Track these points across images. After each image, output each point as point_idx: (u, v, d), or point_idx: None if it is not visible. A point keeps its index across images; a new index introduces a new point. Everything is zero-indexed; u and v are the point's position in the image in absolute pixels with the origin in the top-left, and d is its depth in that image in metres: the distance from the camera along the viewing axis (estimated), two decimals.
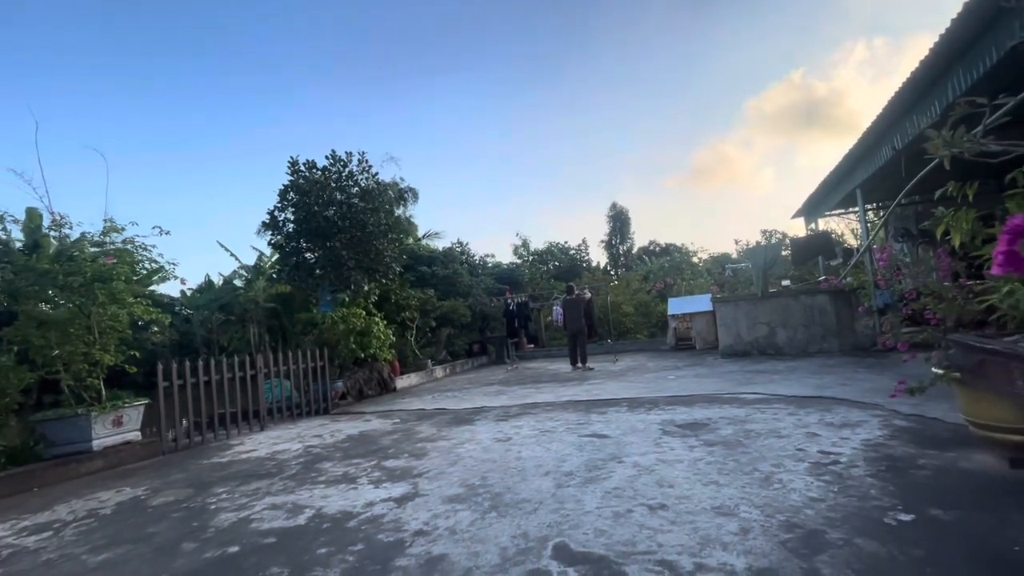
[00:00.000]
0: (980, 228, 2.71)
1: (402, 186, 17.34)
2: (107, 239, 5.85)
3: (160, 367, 5.72)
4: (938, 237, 2.59)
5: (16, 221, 8.04)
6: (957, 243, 2.51)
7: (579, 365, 10.31)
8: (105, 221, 5.88)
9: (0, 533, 3.35)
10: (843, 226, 18.09)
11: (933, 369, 3.04)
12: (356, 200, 9.32)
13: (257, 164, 37.29)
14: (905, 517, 2.30)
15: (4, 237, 8.30)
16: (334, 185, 9.24)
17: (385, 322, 9.80)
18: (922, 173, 2.89)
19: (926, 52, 5.32)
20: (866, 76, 51.41)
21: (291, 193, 9.14)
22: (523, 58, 40.39)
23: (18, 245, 8.29)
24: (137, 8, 27.21)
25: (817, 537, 2.19)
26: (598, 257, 29.08)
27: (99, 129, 29.30)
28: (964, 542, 2.04)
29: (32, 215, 8.41)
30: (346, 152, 9.43)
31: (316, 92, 37.41)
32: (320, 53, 36.22)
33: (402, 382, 10.09)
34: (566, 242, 27.13)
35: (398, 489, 3.46)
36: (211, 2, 29.65)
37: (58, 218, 5.87)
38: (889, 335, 3.38)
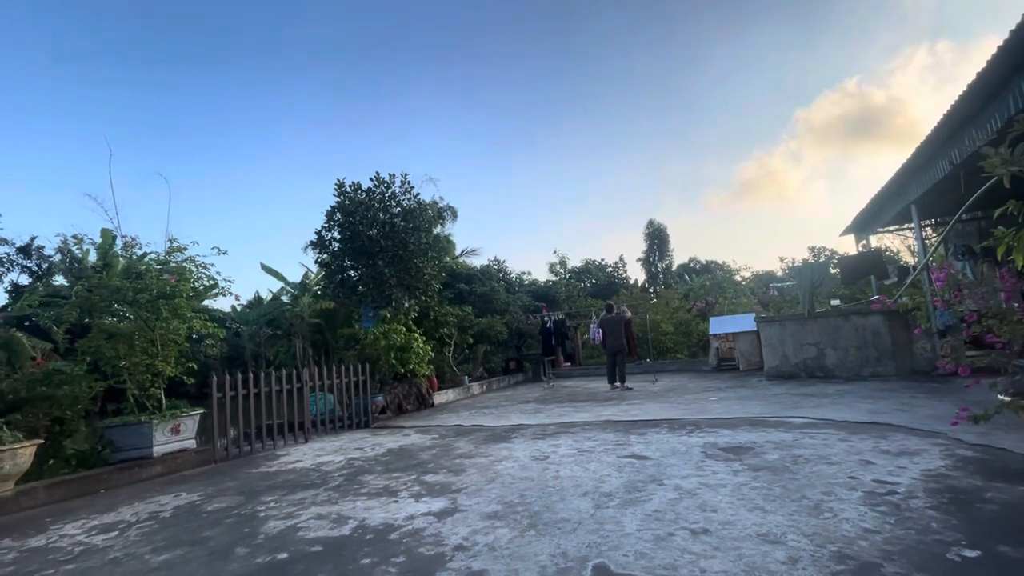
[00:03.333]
0: None
1: (441, 205, 17.76)
2: (171, 258, 6.28)
3: (214, 379, 6.04)
4: (999, 257, 2.47)
5: (93, 243, 8.76)
6: (1020, 264, 2.39)
7: (617, 384, 10.16)
8: (169, 241, 6.34)
9: (72, 531, 3.60)
10: (899, 243, 17.29)
11: (999, 396, 2.87)
12: (398, 220, 9.65)
13: (304, 185, 39.11)
14: (970, 553, 2.17)
15: (80, 256, 9.04)
16: (378, 205, 9.60)
17: (424, 338, 10.00)
18: (980, 191, 2.77)
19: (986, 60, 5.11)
20: (928, 83, 48.83)
21: (337, 213, 9.55)
22: (560, 71, 40.88)
23: (90, 263, 8.99)
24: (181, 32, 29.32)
25: (872, 570, 2.09)
26: (636, 274, 28.77)
27: (162, 152, 31.56)
28: None
29: (105, 235, 9.14)
30: (389, 174, 9.84)
31: (357, 118, 39.02)
32: (359, 82, 37.85)
33: (440, 398, 10.22)
34: (603, 259, 27.08)
35: (438, 504, 3.51)
36: (257, 32, 31.60)
37: (130, 240, 6.35)
38: (949, 359, 3.21)
